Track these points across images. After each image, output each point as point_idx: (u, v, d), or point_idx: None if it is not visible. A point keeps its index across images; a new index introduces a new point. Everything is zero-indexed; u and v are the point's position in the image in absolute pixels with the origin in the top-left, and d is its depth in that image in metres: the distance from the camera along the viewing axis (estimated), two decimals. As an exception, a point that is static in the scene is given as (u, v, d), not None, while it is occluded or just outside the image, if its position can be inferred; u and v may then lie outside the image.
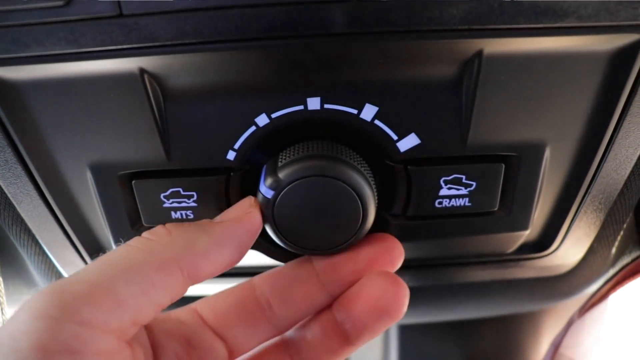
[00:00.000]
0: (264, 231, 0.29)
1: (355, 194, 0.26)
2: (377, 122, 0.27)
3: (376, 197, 0.27)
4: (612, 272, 0.38)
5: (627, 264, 0.37)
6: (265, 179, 0.26)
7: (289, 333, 0.29)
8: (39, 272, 0.37)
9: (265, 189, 0.26)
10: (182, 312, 0.28)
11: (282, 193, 0.26)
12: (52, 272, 0.37)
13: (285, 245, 0.28)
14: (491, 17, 0.24)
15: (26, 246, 0.35)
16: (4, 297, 0.36)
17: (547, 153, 0.29)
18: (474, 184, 0.29)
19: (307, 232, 0.27)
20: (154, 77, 0.25)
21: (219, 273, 0.25)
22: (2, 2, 0.23)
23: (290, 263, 0.29)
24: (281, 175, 0.26)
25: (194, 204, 0.29)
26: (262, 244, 0.31)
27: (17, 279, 0.39)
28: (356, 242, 0.28)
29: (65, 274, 0.36)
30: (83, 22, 0.24)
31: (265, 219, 0.27)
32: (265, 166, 0.28)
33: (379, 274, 0.27)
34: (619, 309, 0.38)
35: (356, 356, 0.62)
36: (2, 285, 0.35)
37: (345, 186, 0.26)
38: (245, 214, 0.26)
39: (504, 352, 0.49)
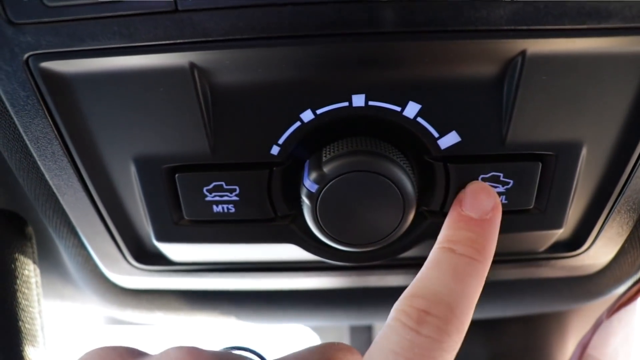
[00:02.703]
0: (305, 226, 0.29)
1: (397, 190, 0.27)
2: (419, 119, 0.27)
3: (417, 193, 0.28)
4: (641, 273, 0.39)
5: (656, 266, 0.38)
6: (309, 173, 0.27)
7: None
8: (75, 265, 0.38)
9: (309, 183, 0.27)
10: None
11: (326, 187, 0.26)
12: (88, 264, 0.37)
13: (326, 238, 0.28)
14: (537, 18, 0.24)
15: (65, 238, 0.36)
16: (41, 288, 0.36)
17: (584, 152, 0.29)
18: (511, 182, 0.29)
19: (348, 227, 0.28)
20: (203, 72, 0.26)
21: None
22: None
23: None
24: (326, 169, 0.26)
25: (235, 198, 0.29)
26: (303, 239, 0.31)
27: (53, 272, 0.40)
28: (396, 237, 0.28)
29: (101, 267, 0.37)
30: (138, 17, 0.24)
31: (308, 213, 0.27)
32: (308, 161, 0.28)
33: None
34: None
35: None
36: (39, 277, 0.36)
37: (388, 181, 0.26)
38: None
39: (530, 351, 0.49)
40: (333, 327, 0.65)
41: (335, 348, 0.27)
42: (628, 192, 0.31)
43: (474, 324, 0.52)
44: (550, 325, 0.50)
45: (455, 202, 0.27)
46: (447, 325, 0.22)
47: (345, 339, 0.64)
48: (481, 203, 0.26)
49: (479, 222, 0.26)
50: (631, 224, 0.34)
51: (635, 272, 0.39)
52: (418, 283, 0.24)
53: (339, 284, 0.38)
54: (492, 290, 0.40)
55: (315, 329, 0.66)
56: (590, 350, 0.39)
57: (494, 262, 0.36)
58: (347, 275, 0.36)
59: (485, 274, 0.25)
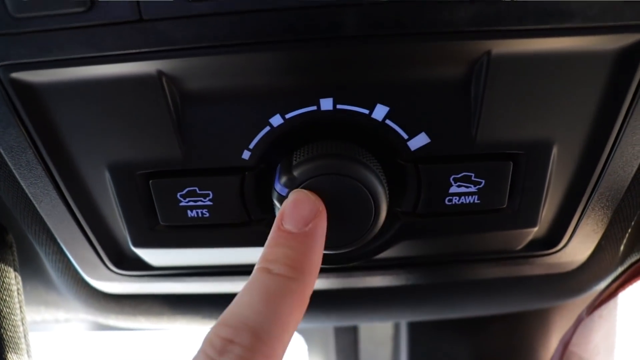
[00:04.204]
0: None
1: (367, 192, 0.27)
2: (388, 121, 0.27)
3: (388, 195, 0.28)
4: (620, 270, 0.39)
5: (635, 262, 0.38)
6: (280, 178, 0.27)
7: None
8: (56, 271, 0.38)
9: (280, 187, 0.27)
10: None
11: None
12: (69, 271, 0.38)
13: None
14: (499, 19, 0.25)
15: (44, 245, 0.36)
16: (22, 296, 0.36)
17: (555, 151, 0.29)
18: (483, 181, 0.29)
19: None
20: (171, 79, 0.26)
21: None
22: (27, 9, 0.24)
23: None
24: (295, 173, 0.27)
25: (209, 203, 0.30)
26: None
27: (35, 279, 0.40)
28: (369, 239, 0.29)
29: (82, 273, 0.37)
30: (104, 27, 0.24)
31: None
32: (279, 165, 0.28)
33: None
34: (627, 307, 0.38)
35: (367, 354, 0.63)
36: (20, 284, 0.36)
37: (358, 184, 0.27)
38: None
39: (513, 350, 0.49)
40: (318, 329, 0.65)
41: None
42: (601, 189, 0.31)
43: (457, 323, 0.53)
44: (532, 324, 0.50)
45: (277, 215, 0.26)
46: (251, 353, 0.21)
47: (330, 340, 0.64)
48: (301, 213, 0.25)
49: (297, 236, 0.24)
50: (606, 220, 0.34)
51: (614, 269, 0.39)
52: (229, 309, 0.22)
53: (319, 286, 0.38)
54: (473, 289, 0.40)
55: (299, 331, 0.66)
56: (572, 347, 0.39)
57: (473, 261, 0.36)
58: (325, 277, 0.37)
59: (305, 293, 0.23)
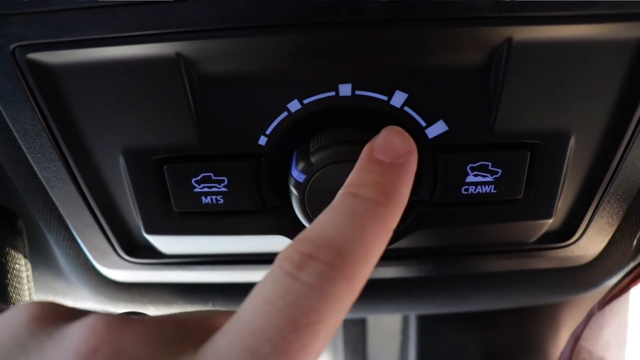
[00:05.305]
0: (295, 218, 0.29)
1: None
2: (406, 108, 0.27)
3: None
4: (632, 264, 0.38)
5: (648, 257, 0.38)
6: (297, 164, 0.27)
7: None
8: (66, 258, 0.38)
9: (297, 173, 0.27)
10: None
11: (314, 177, 0.26)
12: (79, 258, 0.37)
13: None
14: (522, 5, 0.24)
15: (55, 232, 0.36)
16: (32, 283, 0.36)
17: (572, 141, 0.29)
18: (500, 171, 0.29)
19: None
20: (189, 62, 0.26)
21: None
22: None
23: None
24: (313, 159, 0.26)
25: (224, 189, 0.29)
26: (293, 231, 0.31)
27: (44, 267, 0.40)
28: None
29: (92, 260, 0.36)
30: (124, 7, 0.24)
31: (296, 204, 0.27)
32: (296, 151, 0.28)
33: None
34: (639, 302, 0.38)
35: (375, 347, 0.63)
36: (30, 271, 0.36)
37: None
38: None
39: (522, 344, 0.49)
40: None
41: (212, 312, 0.24)
42: (617, 181, 0.31)
43: (467, 317, 0.53)
44: (543, 318, 0.50)
45: (366, 146, 0.24)
46: (333, 271, 0.19)
47: (338, 333, 0.64)
48: (394, 147, 0.23)
49: (389, 166, 0.23)
50: (621, 213, 0.34)
51: (627, 263, 0.39)
52: (309, 228, 0.21)
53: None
54: (484, 282, 0.40)
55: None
56: (582, 342, 0.39)
57: (486, 253, 0.36)
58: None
59: (392, 222, 0.22)
